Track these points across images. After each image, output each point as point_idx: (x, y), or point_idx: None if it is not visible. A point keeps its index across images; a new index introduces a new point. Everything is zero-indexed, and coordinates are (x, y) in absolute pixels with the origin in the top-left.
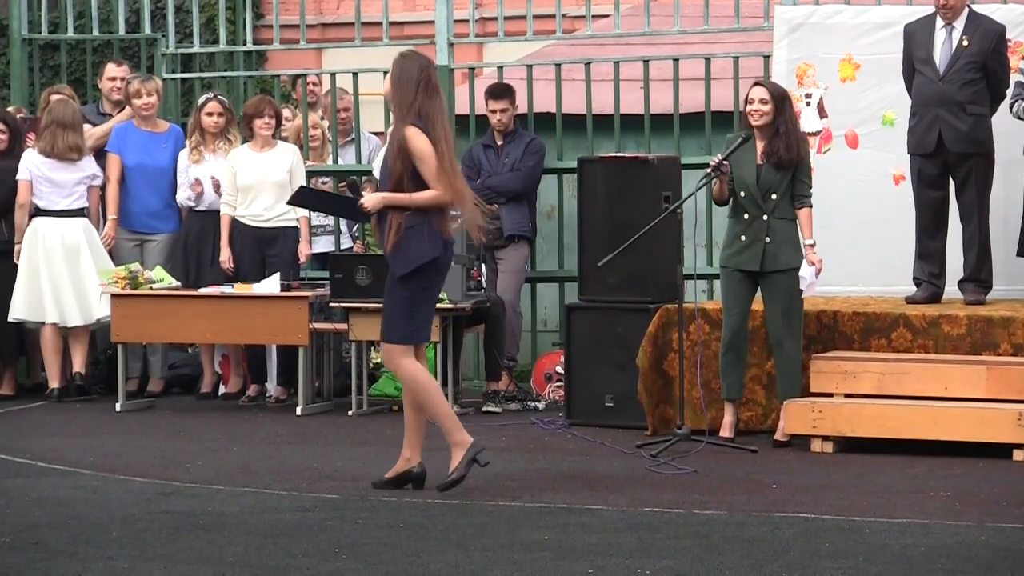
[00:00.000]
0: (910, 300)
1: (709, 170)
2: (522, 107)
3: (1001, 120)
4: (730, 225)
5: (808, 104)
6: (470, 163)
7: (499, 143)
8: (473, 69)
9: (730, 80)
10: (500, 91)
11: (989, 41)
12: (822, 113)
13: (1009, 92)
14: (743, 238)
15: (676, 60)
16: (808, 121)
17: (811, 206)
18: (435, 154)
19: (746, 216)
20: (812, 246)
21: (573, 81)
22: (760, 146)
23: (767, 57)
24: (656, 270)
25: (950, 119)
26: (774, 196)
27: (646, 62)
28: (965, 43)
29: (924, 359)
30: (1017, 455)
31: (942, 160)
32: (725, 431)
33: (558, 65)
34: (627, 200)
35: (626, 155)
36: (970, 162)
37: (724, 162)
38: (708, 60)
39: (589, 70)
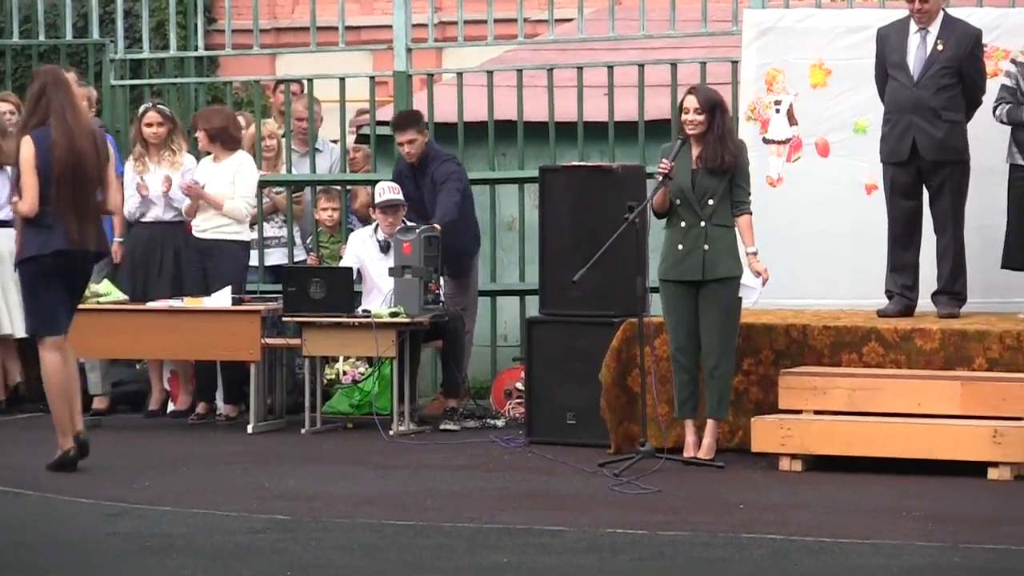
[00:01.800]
0: (882, 313)
1: (659, 176)
2: (482, 114)
3: (977, 127)
4: (667, 235)
5: (778, 111)
6: (400, 182)
7: (416, 168)
8: (432, 75)
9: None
10: (404, 121)
11: (965, 46)
12: (792, 120)
13: (984, 97)
14: (680, 247)
15: (641, 66)
16: (777, 128)
17: (751, 213)
18: (32, 166)
19: (683, 224)
20: (755, 254)
21: (535, 87)
22: (695, 151)
23: (735, 62)
24: (619, 283)
25: (924, 126)
26: (711, 202)
27: (610, 68)
28: (940, 48)
29: (896, 374)
30: (992, 473)
31: (916, 168)
32: (688, 451)
33: (519, 71)
34: (590, 210)
35: (589, 164)
36: (945, 170)
37: (672, 165)
38: (674, 66)
39: (552, 76)
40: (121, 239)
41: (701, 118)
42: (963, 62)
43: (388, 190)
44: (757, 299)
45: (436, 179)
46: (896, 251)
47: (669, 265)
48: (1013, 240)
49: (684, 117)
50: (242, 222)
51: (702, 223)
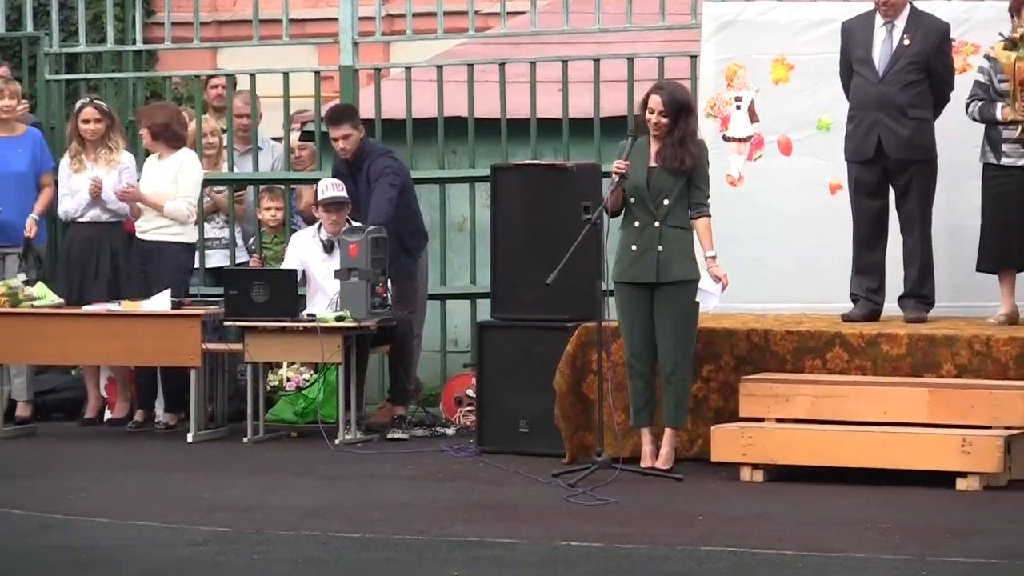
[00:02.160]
0: (847, 318)
1: (615, 176)
2: (432, 110)
3: (946, 125)
4: (621, 235)
5: (738, 108)
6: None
7: (352, 165)
8: (379, 70)
9: (654, 82)
10: (338, 115)
11: (932, 40)
12: (753, 117)
13: (952, 94)
14: (634, 248)
15: (597, 60)
16: (738, 126)
17: (710, 216)
18: None
19: (637, 224)
20: (714, 258)
21: (486, 83)
22: (654, 148)
23: (694, 57)
24: (575, 286)
25: (890, 123)
26: (666, 201)
27: (565, 62)
28: (906, 42)
29: (861, 381)
30: (961, 484)
31: (881, 167)
32: (646, 461)
33: (470, 65)
34: (544, 210)
35: (543, 162)
36: (911, 169)
37: (627, 164)
38: (631, 60)
39: (503, 71)
40: (37, 217)
41: (665, 121)
42: (931, 57)
43: (331, 187)
44: (715, 305)
45: (371, 176)
46: (861, 253)
47: (623, 266)
48: (988, 242)
49: (648, 116)
50: (184, 223)
51: (656, 223)
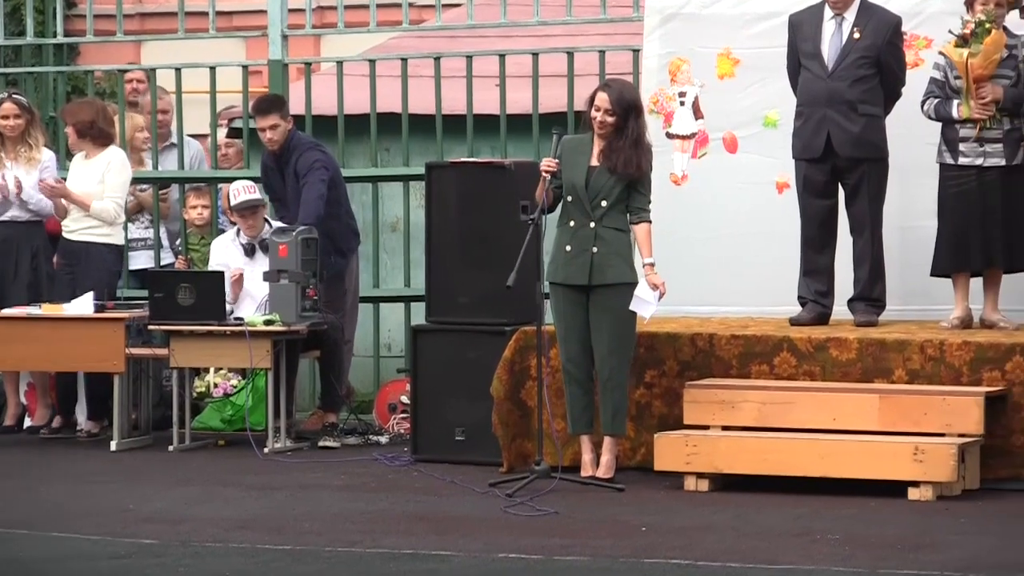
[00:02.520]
0: (794, 321)
1: (543, 175)
2: (364, 107)
3: (897, 122)
4: (556, 235)
5: (682, 104)
6: (266, 180)
7: (279, 158)
8: (309, 64)
9: (595, 77)
10: (267, 105)
11: (883, 33)
12: (697, 113)
13: (903, 89)
14: (568, 248)
15: (535, 55)
16: (682, 122)
17: (650, 222)
18: None
19: (572, 223)
20: (652, 266)
21: (421, 78)
22: (597, 146)
23: (637, 51)
24: (513, 288)
25: (839, 120)
26: (604, 203)
27: (502, 57)
28: (856, 36)
29: (810, 387)
30: (913, 494)
31: (831, 166)
32: (586, 470)
33: (404, 60)
34: (481, 210)
35: (480, 160)
36: (862, 168)
37: (557, 161)
38: (571, 55)
39: (439, 65)
40: None
41: (612, 120)
42: (881, 51)
43: (244, 190)
44: (650, 314)
45: (298, 170)
46: (809, 254)
47: (556, 267)
48: (945, 245)
49: (594, 114)
50: (112, 224)
51: (591, 224)
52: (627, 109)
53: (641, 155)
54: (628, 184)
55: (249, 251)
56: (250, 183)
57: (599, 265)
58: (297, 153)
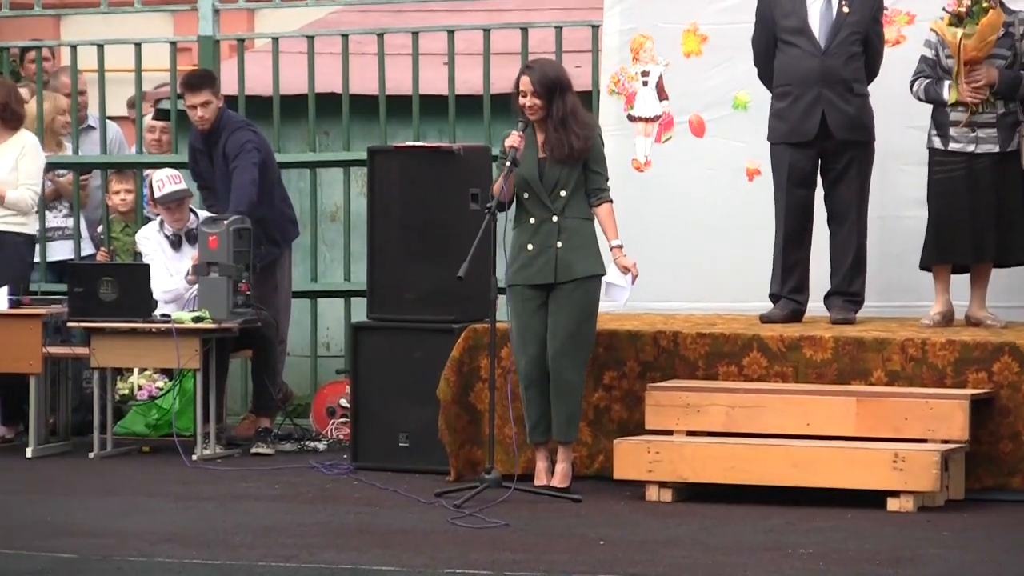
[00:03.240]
0: (765, 319)
1: (507, 162)
2: (301, 86)
3: (876, 103)
4: (515, 235)
5: (645, 84)
6: (194, 165)
7: (208, 138)
8: (243, 40)
9: (551, 55)
10: (198, 80)
11: (870, 8)
12: (662, 95)
13: (882, 68)
14: (530, 247)
15: (487, 31)
16: (645, 104)
17: (611, 200)
18: None
19: (532, 220)
20: (620, 247)
21: (363, 55)
22: (540, 137)
23: (596, 27)
24: (462, 283)
25: (836, 100)
26: (563, 193)
27: (451, 32)
28: (846, 10)
29: (782, 389)
30: (892, 504)
31: (818, 151)
32: (540, 479)
33: (345, 36)
34: (427, 198)
35: (426, 144)
36: (851, 152)
37: (522, 136)
38: (525, 31)
39: (382, 42)
40: None
41: (539, 102)
42: (869, 28)
43: (169, 180)
44: (626, 300)
45: (227, 151)
46: (788, 248)
47: (517, 268)
48: (935, 237)
49: (521, 100)
50: (28, 214)
51: (554, 218)
52: (550, 89)
53: (570, 134)
54: (583, 166)
55: (175, 243)
56: (175, 172)
57: (565, 261)
58: (227, 132)
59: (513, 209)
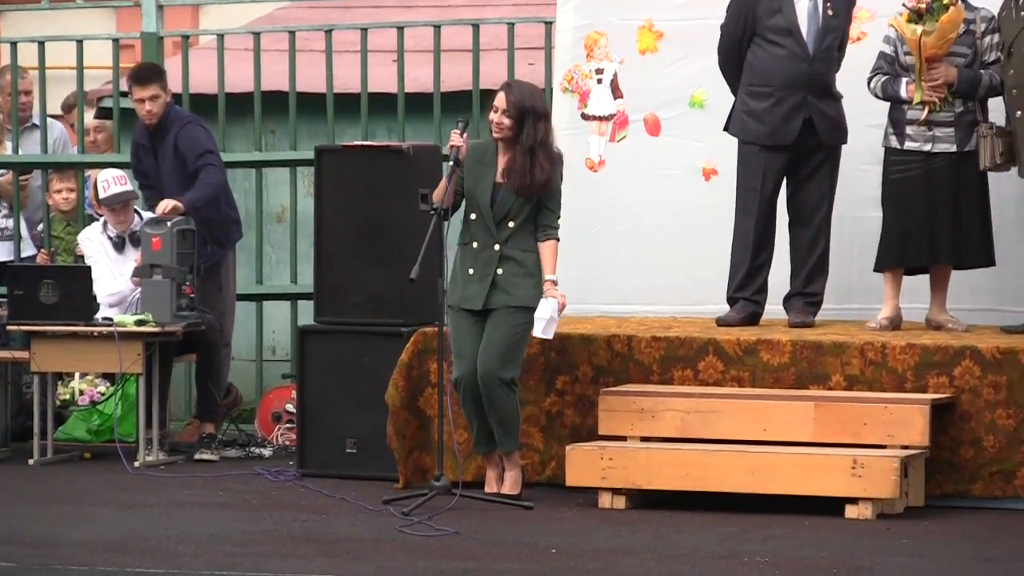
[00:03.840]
0: (722, 322)
1: (450, 163)
2: (247, 84)
3: None
4: (458, 255)
5: (599, 81)
6: (137, 163)
7: (155, 133)
8: (187, 37)
9: (503, 52)
10: (147, 74)
11: (848, 10)
12: (616, 92)
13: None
14: (471, 272)
15: (437, 27)
16: (599, 102)
17: (558, 239)
18: None
19: (475, 244)
20: (554, 283)
21: (311, 52)
22: (502, 161)
23: (549, 24)
24: (411, 286)
25: (821, 105)
26: (511, 224)
27: (400, 29)
28: (831, 13)
29: (738, 394)
30: (850, 512)
31: (793, 153)
32: (490, 486)
33: (292, 32)
34: (376, 199)
35: (375, 143)
36: (824, 153)
37: (464, 138)
38: (477, 27)
39: (330, 38)
40: None
41: (508, 123)
42: (846, 29)
43: (114, 181)
44: (547, 330)
45: (180, 146)
46: (755, 250)
47: (455, 289)
48: (889, 239)
49: (491, 115)
50: None
51: (496, 246)
52: (523, 112)
53: (535, 164)
54: (536, 201)
55: (119, 245)
56: (120, 173)
57: (502, 290)
58: (176, 127)
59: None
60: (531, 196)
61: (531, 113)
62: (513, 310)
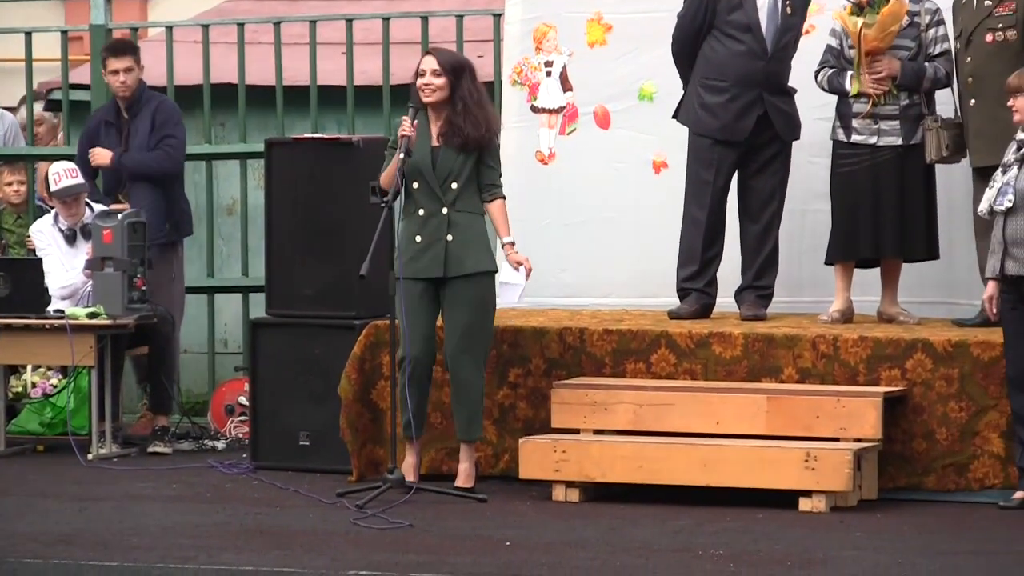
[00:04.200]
0: (674, 315)
1: (400, 153)
2: (196, 77)
3: None
4: (404, 226)
5: (549, 74)
6: (89, 144)
7: (124, 117)
8: (136, 29)
9: (452, 45)
10: (123, 46)
11: (805, 9)
12: (566, 85)
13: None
14: (419, 239)
15: (386, 19)
16: (549, 95)
17: (504, 197)
18: None
19: (421, 212)
20: (512, 244)
21: (260, 45)
22: (436, 127)
23: (498, 16)
24: (364, 280)
25: (777, 103)
26: (455, 185)
27: (349, 22)
28: (789, 11)
29: (691, 387)
30: (804, 504)
31: (746, 148)
32: (409, 475)
33: (241, 25)
34: (326, 192)
35: (325, 136)
36: (776, 147)
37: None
38: (425, 19)
39: (279, 31)
40: None
41: (440, 81)
42: (801, 28)
43: (65, 174)
44: (520, 296)
45: (157, 120)
46: (707, 242)
47: (406, 261)
48: (840, 232)
49: (420, 81)
50: None
51: (444, 210)
52: (456, 70)
53: (468, 120)
54: (477, 159)
55: (70, 238)
56: (72, 166)
57: (455, 255)
58: (155, 102)
59: (401, 200)
60: (472, 151)
61: (464, 69)
62: (468, 281)
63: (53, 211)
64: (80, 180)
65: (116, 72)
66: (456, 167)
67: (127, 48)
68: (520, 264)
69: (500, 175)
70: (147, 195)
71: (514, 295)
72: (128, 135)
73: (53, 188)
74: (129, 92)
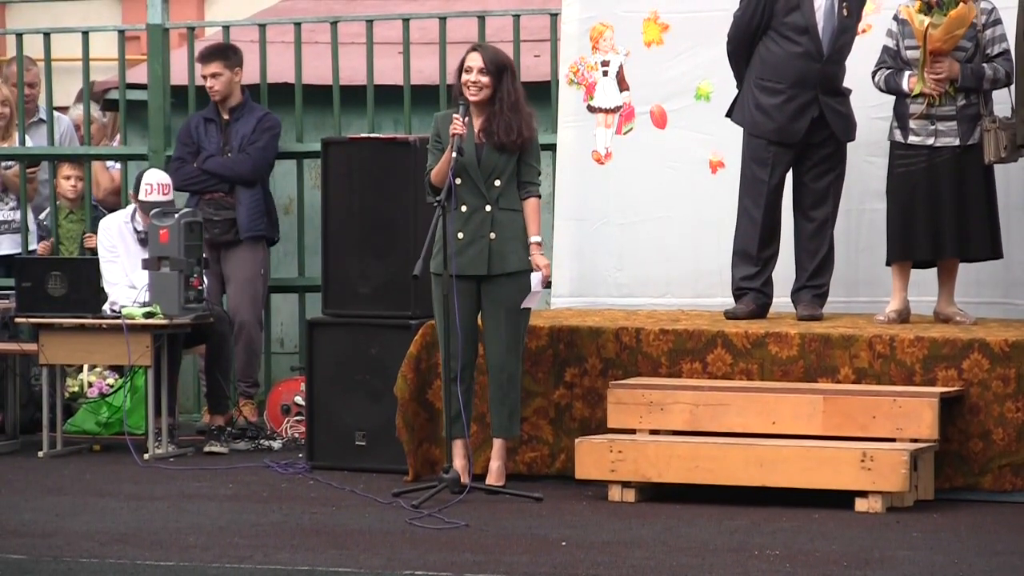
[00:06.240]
0: (730, 315)
1: (453, 152)
2: (253, 76)
3: None
4: (442, 223)
5: (605, 74)
6: (187, 140)
7: (224, 117)
8: (193, 29)
9: (510, 44)
10: (211, 53)
11: (860, 9)
12: (622, 85)
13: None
14: (461, 235)
15: (443, 19)
16: (605, 94)
17: (539, 196)
18: None
19: (464, 208)
20: (539, 245)
21: (317, 44)
22: (477, 123)
23: (555, 15)
24: (418, 280)
25: (833, 104)
26: (498, 182)
27: (406, 21)
28: (846, 13)
29: (747, 387)
30: (860, 505)
31: (800, 146)
32: (464, 477)
33: (298, 24)
34: (383, 191)
35: (382, 136)
36: (831, 146)
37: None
38: (482, 19)
39: (336, 30)
40: None
41: (486, 79)
42: (855, 29)
43: (158, 189)
44: (537, 303)
45: (258, 130)
46: (762, 242)
47: (446, 256)
48: (895, 233)
49: (466, 78)
50: None
51: (487, 207)
52: (500, 69)
53: (522, 120)
54: (519, 157)
55: (144, 240)
56: (167, 181)
57: (499, 253)
58: (259, 112)
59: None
60: (515, 151)
61: (507, 69)
62: (511, 280)
63: (131, 207)
64: (170, 197)
65: (205, 77)
66: (500, 164)
67: (214, 54)
68: (539, 267)
69: (539, 173)
70: (246, 188)
71: (531, 301)
72: (230, 137)
73: (142, 197)
74: (219, 96)
